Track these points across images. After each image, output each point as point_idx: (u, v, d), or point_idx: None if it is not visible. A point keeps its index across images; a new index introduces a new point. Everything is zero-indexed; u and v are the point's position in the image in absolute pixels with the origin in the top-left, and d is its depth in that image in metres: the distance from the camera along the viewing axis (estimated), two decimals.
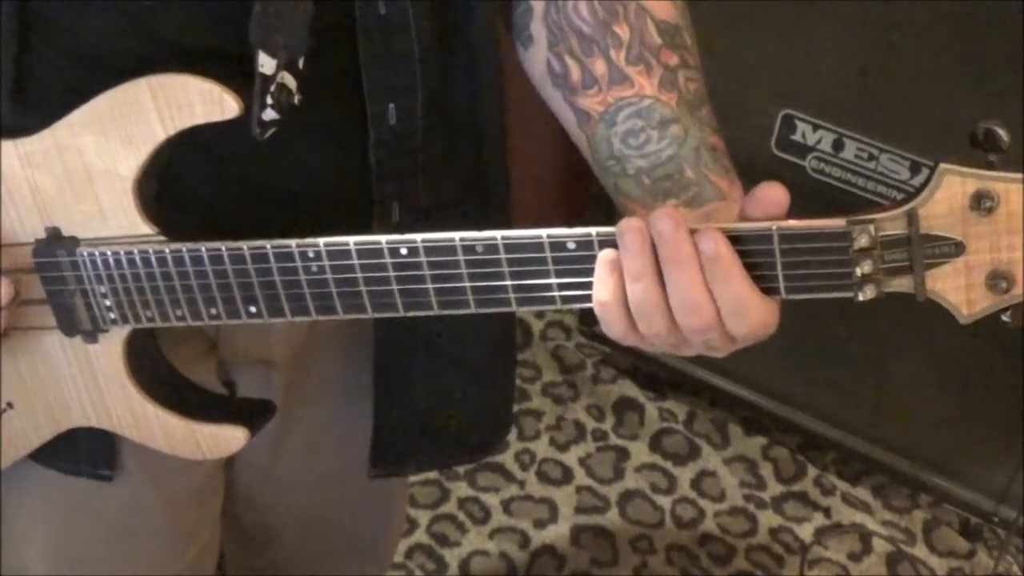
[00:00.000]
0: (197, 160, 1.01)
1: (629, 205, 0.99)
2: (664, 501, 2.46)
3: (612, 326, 0.87)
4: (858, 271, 0.82)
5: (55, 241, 0.99)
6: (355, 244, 0.91)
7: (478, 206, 1.15)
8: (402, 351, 1.18)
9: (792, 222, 0.82)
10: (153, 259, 0.97)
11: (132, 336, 1.03)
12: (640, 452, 2.55)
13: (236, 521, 1.39)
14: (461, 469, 2.46)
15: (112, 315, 1.00)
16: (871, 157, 2.02)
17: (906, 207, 0.81)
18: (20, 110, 0.99)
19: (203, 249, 0.95)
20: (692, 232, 0.83)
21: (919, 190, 0.80)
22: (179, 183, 1.02)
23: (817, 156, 2.07)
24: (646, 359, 2.50)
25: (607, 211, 2.18)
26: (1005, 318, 0.83)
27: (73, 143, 0.97)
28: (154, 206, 0.99)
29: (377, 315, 0.93)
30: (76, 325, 1.02)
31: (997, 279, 0.81)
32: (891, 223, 0.81)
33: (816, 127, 2.06)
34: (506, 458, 2.49)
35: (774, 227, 0.82)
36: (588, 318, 2.53)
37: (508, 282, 0.89)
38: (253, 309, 0.96)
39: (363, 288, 0.92)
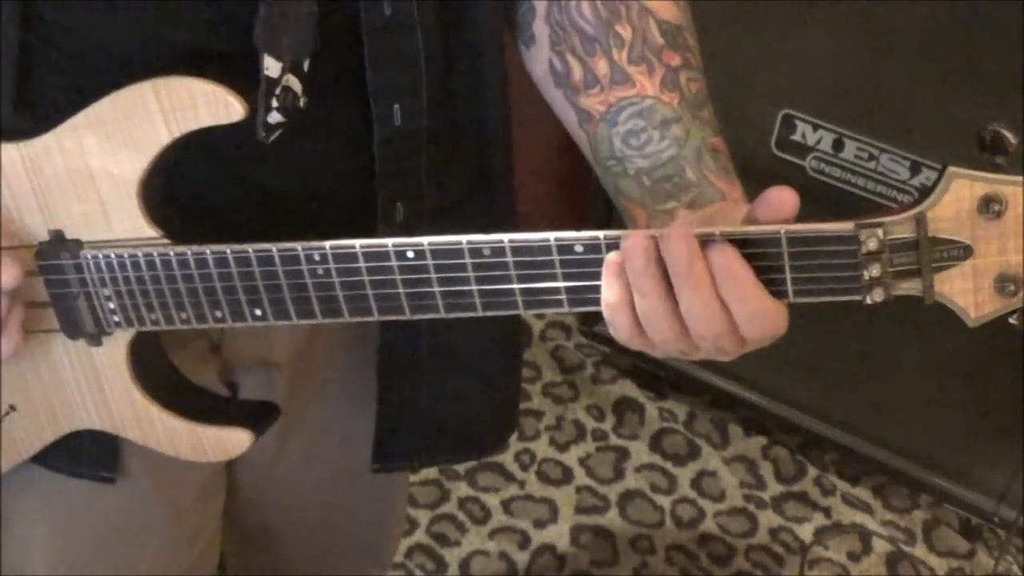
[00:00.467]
0: (202, 162, 1.01)
1: (629, 206, 0.99)
2: (664, 501, 2.46)
3: (620, 330, 0.87)
4: (866, 274, 0.82)
5: (59, 244, 0.99)
6: (361, 247, 0.91)
7: (483, 206, 1.15)
8: (406, 351, 1.18)
9: (800, 225, 0.82)
10: (158, 262, 0.96)
11: (136, 339, 1.03)
12: (640, 452, 2.55)
13: (237, 522, 1.39)
14: (461, 469, 2.46)
15: (116, 318, 1.00)
16: (871, 157, 2.02)
17: (914, 210, 0.80)
18: (23, 112, 0.99)
19: (208, 252, 0.95)
20: (702, 244, 0.83)
21: (927, 193, 0.80)
22: (184, 185, 1.02)
23: (817, 156, 2.07)
24: (646, 359, 2.50)
25: (607, 210, 2.18)
26: (1013, 321, 0.83)
27: (77, 145, 0.96)
28: (158, 209, 0.98)
29: (383, 318, 0.93)
30: (80, 328, 1.02)
31: (1005, 282, 0.81)
32: (900, 226, 0.81)
33: (816, 127, 2.06)
34: (506, 458, 2.50)
35: (782, 231, 0.82)
36: (588, 318, 2.54)
37: (515, 285, 0.88)
38: (258, 312, 0.96)
39: (369, 291, 0.92)
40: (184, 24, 0.96)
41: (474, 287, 0.90)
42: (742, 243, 0.83)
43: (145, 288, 0.98)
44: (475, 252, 0.88)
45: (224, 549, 1.41)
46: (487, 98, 1.10)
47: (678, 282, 0.83)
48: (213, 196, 1.04)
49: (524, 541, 2.36)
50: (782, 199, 0.84)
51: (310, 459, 1.32)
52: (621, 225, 0.94)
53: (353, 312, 0.94)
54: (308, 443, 1.30)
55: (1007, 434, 2.18)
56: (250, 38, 0.94)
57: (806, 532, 2.42)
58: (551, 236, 0.86)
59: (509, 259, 0.88)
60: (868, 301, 0.83)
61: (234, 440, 1.07)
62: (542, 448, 2.54)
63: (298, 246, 0.92)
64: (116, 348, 1.03)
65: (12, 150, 0.98)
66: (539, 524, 2.39)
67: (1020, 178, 0.79)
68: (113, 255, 0.98)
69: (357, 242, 0.91)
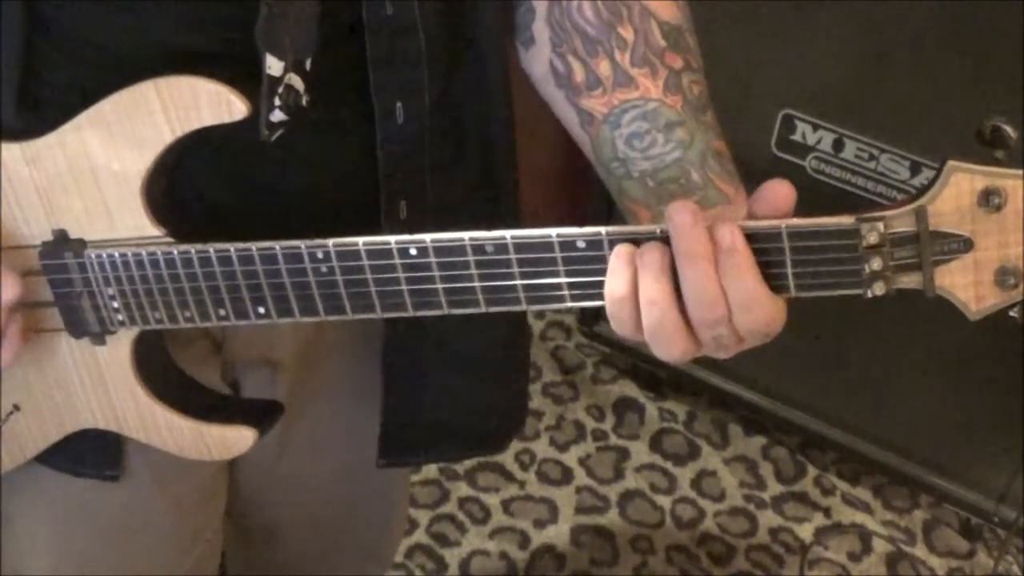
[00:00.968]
0: (205, 161, 1.01)
1: (632, 207, 0.99)
2: (664, 501, 2.46)
3: (621, 324, 0.87)
4: (867, 268, 0.82)
5: (62, 243, 0.99)
6: (364, 244, 0.91)
7: (487, 205, 1.15)
8: (412, 349, 1.18)
9: (801, 220, 0.83)
10: (161, 261, 0.97)
11: (140, 338, 1.03)
12: (640, 452, 2.55)
13: (239, 521, 1.39)
14: (461, 469, 2.46)
15: (120, 317, 1.00)
16: (871, 157, 2.03)
17: (915, 204, 0.81)
18: (27, 112, 0.99)
19: (212, 250, 0.95)
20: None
21: (928, 187, 0.81)
22: (187, 184, 1.02)
23: (817, 156, 2.08)
24: (646, 359, 2.50)
25: (608, 209, 2.19)
26: (1013, 314, 0.83)
27: (80, 145, 0.97)
28: (162, 207, 0.98)
29: (386, 315, 0.93)
30: (83, 327, 1.02)
31: (1005, 275, 0.81)
32: (900, 220, 0.81)
33: (816, 127, 2.06)
34: (506, 458, 2.49)
35: (783, 225, 0.82)
36: (588, 318, 2.54)
37: (518, 281, 0.89)
38: (262, 310, 0.96)
39: (373, 288, 0.92)
40: (186, 24, 0.96)
41: (477, 283, 0.90)
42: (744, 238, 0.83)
43: (149, 287, 0.98)
44: (478, 248, 0.88)
45: (225, 548, 1.41)
46: (489, 97, 1.10)
47: (681, 258, 0.83)
48: (216, 195, 1.04)
49: (524, 541, 2.36)
50: (779, 193, 0.84)
51: (312, 458, 1.33)
52: (621, 223, 0.94)
53: (356, 309, 0.94)
54: (310, 442, 1.30)
55: (1007, 434, 2.18)
56: (252, 38, 0.94)
57: (806, 532, 2.42)
58: (553, 232, 0.87)
59: (512, 255, 0.88)
60: (869, 295, 0.83)
61: (238, 438, 1.07)
62: (542, 448, 2.54)
63: (301, 244, 0.93)
64: (120, 347, 1.03)
65: (15, 150, 0.98)
66: (539, 524, 2.39)
67: (1020, 171, 0.79)
68: (117, 254, 0.98)
69: (360, 239, 0.91)
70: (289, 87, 0.96)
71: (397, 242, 0.90)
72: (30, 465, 1.13)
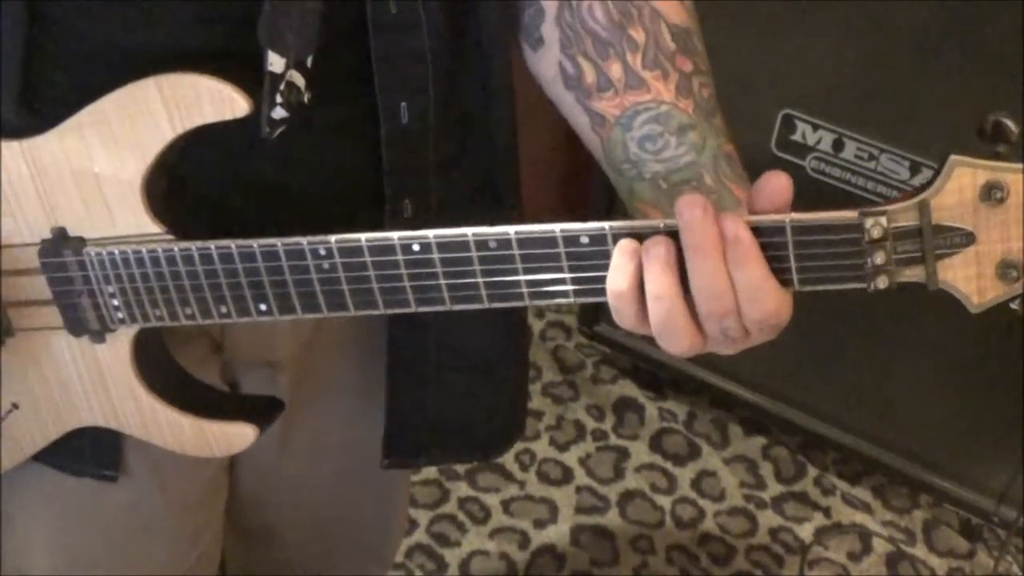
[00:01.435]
0: (206, 158, 1.01)
1: (644, 208, 0.99)
2: (664, 501, 2.46)
3: (625, 316, 0.87)
4: (870, 262, 0.82)
5: (62, 241, 0.99)
6: (367, 241, 0.91)
7: (490, 204, 1.15)
8: (415, 350, 1.18)
9: (805, 214, 0.83)
10: (162, 258, 0.97)
11: (140, 335, 1.03)
12: (640, 452, 2.55)
13: (239, 521, 1.39)
14: (461, 469, 2.46)
15: (120, 315, 1.00)
16: (871, 157, 2.03)
17: (918, 198, 0.81)
18: (27, 110, 0.99)
19: (213, 247, 0.95)
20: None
21: (930, 181, 0.81)
22: (188, 181, 1.02)
23: (817, 156, 2.08)
24: (646, 359, 2.50)
25: (607, 207, 2.19)
26: (1014, 306, 0.84)
27: (80, 143, 0.97)
28: (162, 205, 0.98)
29: (389, 311, 0.93)
30: (83, 325, 1.02)
31: (1007, 268, 0.82)
32: (903, 214, 0.82)
33: (816, 127, 2.06)
34: (506, 458, 2.49)
35: (787, 219, 0.83)
36: (588, 318, 2.54)
37: (521, 277, 0.89)
38: (263, 307, 0.96)
39: (375, 285, 0.92)
40: (188, 21, 0.96)
41: (480, 279, 0.90)
42: None
43: (149, 285, 0.98)
44: (481, 244, 0.88)
45: (226, 549, 1.41)
46: (493, 95, 1.10)
47: (691, 252, 0.83)
48: (217, 192, 1.04)
49: (524, 541, 2.36)
50: (777, 184, 0.84)
51: (312, 458, 1.33)
52: (622, 219, 0.94)
53: (359, 306, 0.94)
54: (310, 442, 1.30)
55: (1007, 434, 2.18)
56: (253, 35, 0.94)
57: (806, 532, 2.42)
58: (557, 227, 0.87)
59: (515, 251, 0.88)
60: (872, 288, 0.83)
61: (238, 435, 1.07)
62: (542, 448, 2.54)
63: (303, 240, 0.93)
64: (120, 345, 1.03)
65: (15, 147, 0.98)
66: (539, 524, 2.39)
67: (1021, 166, 0.79)
68: (117, 252, 0.98)
69: (362, 236, 0.91)
70: (291, 84, 0.95)
71: (400, 238, 0.90)
72: (30, 465, 1.13)
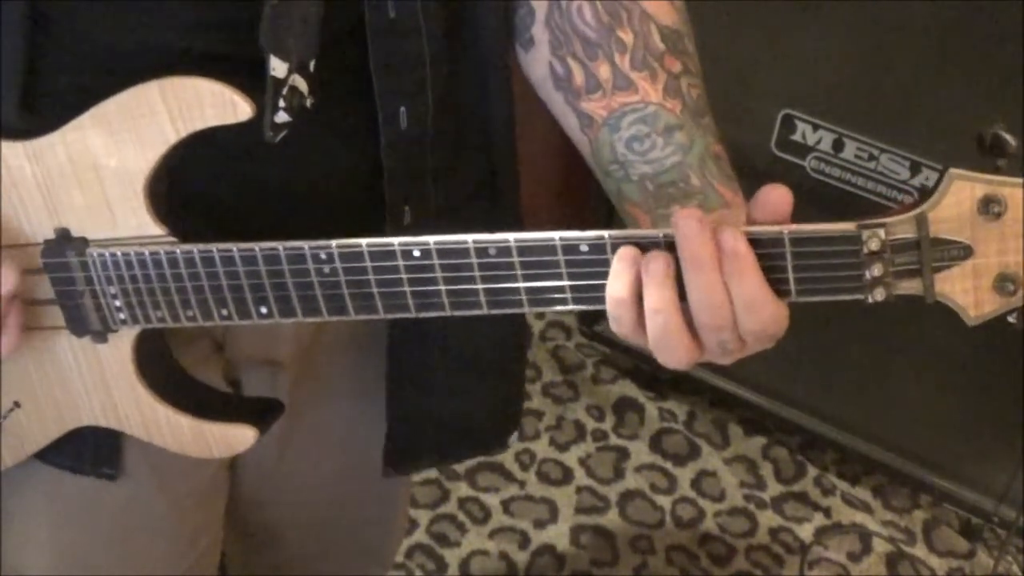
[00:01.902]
0: (208, 161, 1.01)
1: (632, 209, 0.99)
2: (664, 501, 2.46)
3: (624, 324, 0.87)
4: (868, 274, 0.83)
5: (64, 242, 0.99)
6: (367, 246, 0.91)
7: (489, 208, 1.15)
8: (416, 351, 1.18)
9: (803, 226, 0.83)
10: (164, 260, 0.97)
11: (141, 336, 1.03)
12: (640, 452, 2.56)
13: (239, 521, 1.39)
14: (461, 469, 2.46)
15: (122, 315, 1.00)
16: (871, 157, 2.03)
17: (916, 211, 0.81)
18: (30, 112, 0.99)
19: (215, 250, 0.95)
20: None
21: (928, 194, 0.81)
22: (190, 184, 1.02)
23: (817, 156, 2.08)
24: (646, 359, 2.49)
25: (607, 214, 2.18)
26: (1012, 319, 0.84)
27: (83, 144, 0.97)
28: (164, 207, 0.98)
29: (389, 316, 0.93)
30: (85, 325, 1.02)
31: (1004, 282, 0.82)
32: (901, 227, 0.82)
33: (816, 127, 2.06)
34: (506, 458, 2.50)
35: (785, 231, 0.83)
36: (589, 318, 2.54)
37: (520, 284, 0.89)
38: (264, 310, 0.96)
39: (375, 290, 0.92)
40: (190, 25, 0.96)
41: (480, 286, 0.90)
42: None
43: (151, 286, 0.98)
44: (481, 251, 0.89)
45: (225, 549, 1.41)
46: (491, 99, 1.10)
47: (688, 264, 0.84)
48: (219, 195, 1.04)
49: (524, 541, 2.36)
50: (776, 197, 0.84)
51: (313, 459, 1.33)
52: (621, 227, 0.94)
53: (359, 310, 0.94)
54: (311, 443, 1.31)
55: (1007, 434, 2.18)
56: (255, 39, 0.94)
57: (806, 532, 2.42)
58: (556, 235, 0.87)
59: (515, 258, 0.88)
60: (870, 300, 0.84)
61: (239, 436, 1.07)
62: (542, 448, 2.55)
63: (304, 245, 0.93)
64: (121, 345, 1.03)
65: (18, 148, 0.98)
66: (539, 524, 2.39)
67: (1020, 179, 0.80)
68: (119, 253, 0.98)
69: (363, 241, 0.91)
70: (293, 88, 0.96)
71: (400, 244, 0.90)
72: (31, 463, 1.13)
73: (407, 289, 0.92)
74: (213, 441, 1.07)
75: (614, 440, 2.58)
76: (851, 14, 1.95)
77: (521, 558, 2.33)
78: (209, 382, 1.15)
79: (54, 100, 0.99)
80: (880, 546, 2.40)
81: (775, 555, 2.38)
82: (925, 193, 0.81)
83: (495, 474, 2.47)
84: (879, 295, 0.84)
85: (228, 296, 0.97)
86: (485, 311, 0.91)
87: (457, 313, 0.92)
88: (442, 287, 0.91)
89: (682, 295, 0.85)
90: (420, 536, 2.35)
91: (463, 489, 2.44)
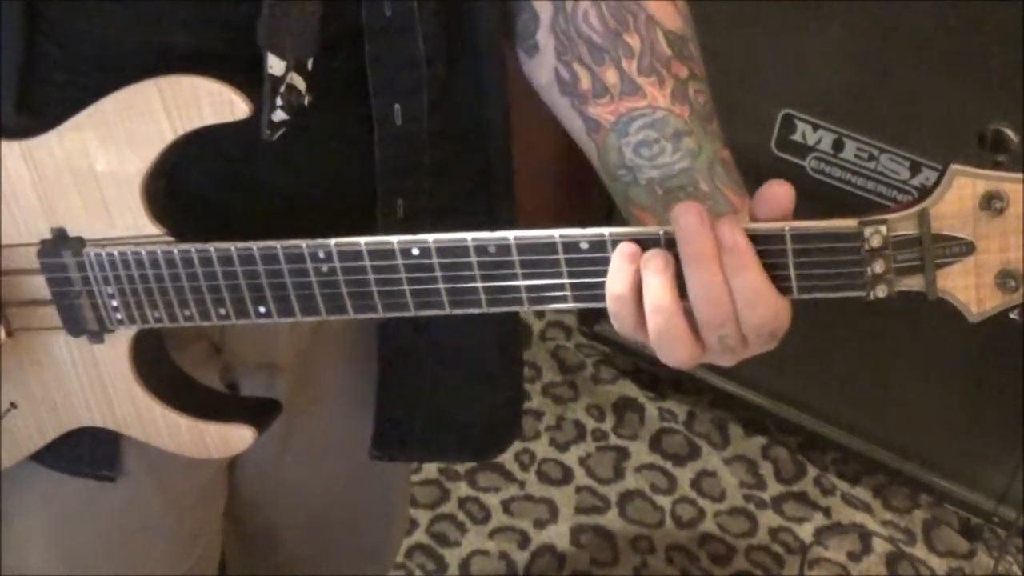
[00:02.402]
0: (206, 160, 1.01)
1: (639, 213, 0.99)
2: (664, 501, 2.46)
3: (624, 321, 0.87)
4: (870, 271, 0.82)
5: (61, 242, 0.99)
6: (366, 244, 0.91)
7: (484, 207, 1.15)
8: (407, 344, 1.18)
9: (804, 223, 0.83)
10: (161, 259, 0.96)
11: (138, 336, 1.03)
12: (640, 452, 2.56)
13: (239, 523, 1.39)
14: (461, 469, 2.46)
15: (119, 315, 1.00)
16: (871, 157, 2.03)
17: (917, 207, 0.81)
18: (27, 111, 0.99)
19: (212, 250, 0.95)
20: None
21: (930, 190, 0.81)
22: (187, 183, 1.02)
23: (817, 156, 2.08)
24: (646, 359, 2.50)
25: (607, 213, 2.18)
26: (1014, 316, 0.84)
27: (80, 144, 0.96)
28: (162, 206, 0.98)
29: (388, 315, 0.93)
30: (82, 325, 1.02)
31: (1006, 278, 0.82)
32: (903, 223, 0.82)
33: (816, 127, 2.06)
34: (506, 458, 2.50)
35: (787, 227, 0.82)
36: (588, 318, 2.54)
37: (520, 282, 0.89)
38: (263, 309, 0.96)
39: (374, 288, 0.92)
40: (188, 23, 0.96)
41: (479, 284, 0.90)
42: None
43: (148, 286, 0.98)
44: (480, 250, 0.88)
45: (225, 550, 1.41)
46: (487, 99, 1.10)
47: (688, 260, 0.83)
48: (216, 194, 1.04)
49: (524, 541, 2.36)
50: (778, 193, 0.84)
51: (312, 460, 1.32)
52: (620, 225, 0.94)
53: (358, 309, 0.94)
54: (310, 444, 1.30)
55: (1007, 434, 2.18)
56: (253, 38, 0.94)
57: (806, 532, 2.42)
58: (556, 233, 0.87)
59: (515, 256, 0.88)
60: (871, 297, 0.83)
61: (237, 436, 1.07)
62: (542, 448, 2.55)
63: (303, 244, 0.92)
64: (118, 345, 1.03)
65: (14, 147, 0.98)
66: (539, 524, 2.39)
67: (1021, 175, 0.79)
68: (116, 253, 0.97)
69: (362, 239, 0.91)
70: (291, 87, 0.95)
71: (399, 242, 0.90)
72: (28, 465, 1.13)
73: (406, 288, 0.91)
74: (211, 441, 1.07)
75: (614, 440, 2.58)
76: (851, 14, 1.95)
77: (521, 558, 2.33)
78: (206, 384, 1.15)
79: (51, 98, 0.99)
80: (880, 546, 2.40)
81: (775, 555, 2.38)
82: (927, 190, 0.81)
83: (495, 474, 2.47)
84: (881, 292, 0.83)
85: (226, 296, 0.97)
86: (484, 309, 0.91)
87: (456, 312, 0.92)
88: (441, 285, 0.91)
89: (683, 292, 0.84)
90: (420, 536, 2.35)
91: (463, 489, 2.44)
